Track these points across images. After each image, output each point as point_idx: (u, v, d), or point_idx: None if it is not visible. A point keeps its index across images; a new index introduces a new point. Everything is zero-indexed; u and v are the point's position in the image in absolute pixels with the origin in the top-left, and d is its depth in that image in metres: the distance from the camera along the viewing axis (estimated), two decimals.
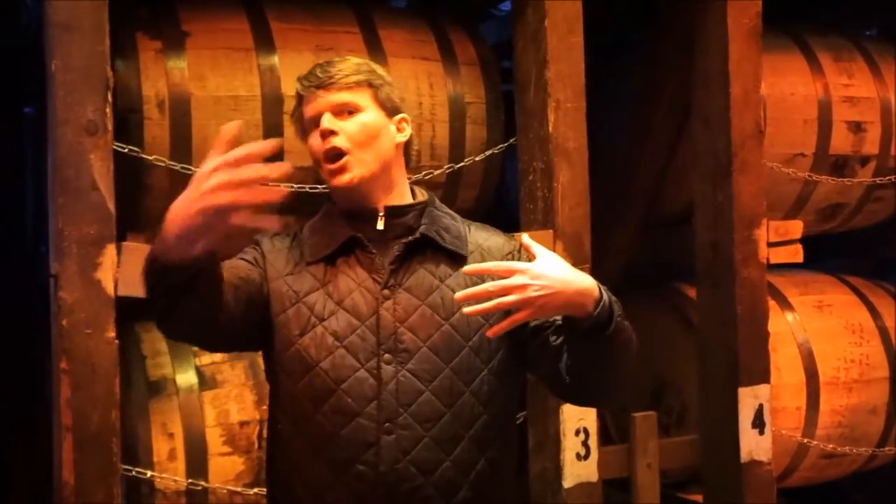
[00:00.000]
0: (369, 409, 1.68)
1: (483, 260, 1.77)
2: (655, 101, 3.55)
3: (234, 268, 1.74)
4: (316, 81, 1.77)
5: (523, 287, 1.56)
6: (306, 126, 1.80)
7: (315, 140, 1.77)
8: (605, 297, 1.63)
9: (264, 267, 1.79)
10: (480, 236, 1.83)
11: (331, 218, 1.83)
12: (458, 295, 1.60)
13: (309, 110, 1.78)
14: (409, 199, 1.82)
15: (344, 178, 1.74)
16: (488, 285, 1.58)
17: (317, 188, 2.79)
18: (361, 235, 1.76)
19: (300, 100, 1.81)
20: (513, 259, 1.79)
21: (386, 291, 1.72)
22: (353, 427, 1.68)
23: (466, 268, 1.66)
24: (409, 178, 1.88)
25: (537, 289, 1.56)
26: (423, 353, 1.70)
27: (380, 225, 1.77)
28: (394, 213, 1.78)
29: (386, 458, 1.68)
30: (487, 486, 1.74)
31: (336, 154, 1.74)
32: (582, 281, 1.62)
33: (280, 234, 1.86)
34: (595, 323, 1.61)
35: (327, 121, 1.74)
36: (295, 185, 2.77)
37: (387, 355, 1.70)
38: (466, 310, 1.61)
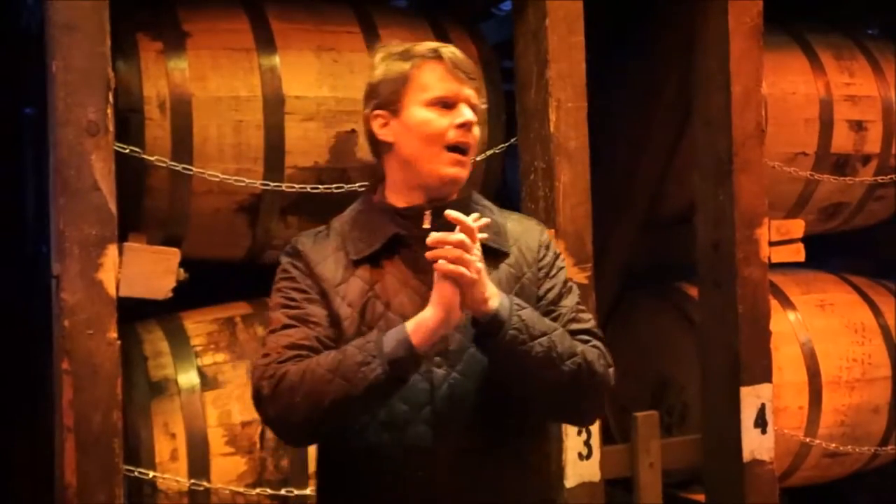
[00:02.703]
0: (423, 415, 1.67)
1: (522, 255, 1.77)
2: (656, 100, 3.55)
3: (322, 325, 1.71)
4: (462, 66, 1.74)
5: (476, 269, 1.58)
6: (426, 97, 1.72)
7: (438, 119, 1.72)
8: (508, 304, 1.62)
9: (322, 291, 1.73)
10: (517, 230, 1.82)
11: (372, 213, 1.79)
12: (430, 239, 1.58)
13: (448, 88, 1.72)
14: (452, 196, 1.78)
15: (462, 174, 1.73)
16: (458, 240, 1.56)
17: (318, 188, 2.79)
18: (406, 233, 1.73)
19: (421, 72, 1.73)
20: (544, 252, 1.80)
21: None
22: (409, 434, 1.67)
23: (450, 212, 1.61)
24: None
25: (477, 273, 1.59)
26: (470, 354, 1.68)
27: (426, 223, 1.73)
28: (439, 210, 1.71)
29: (442, 463, 1.67)
30: (527, 486, 1.74)
31: (466, 147, 1.73)
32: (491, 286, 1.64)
33: (316, 234, 1.81)
34: (486, 327, 1.61)
35: (471, 113, 1.72)
36: (297, 186, 2.77)
37: (437, 358, 1.67)
38: (429, 253, 1.59)
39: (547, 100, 2.80)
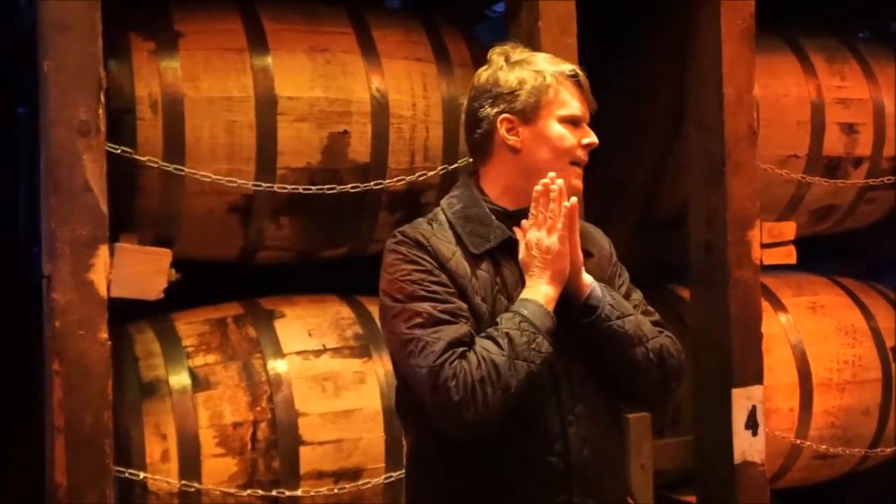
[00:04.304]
0: (552, 402, 1.74)
1: (600, 255, 1.92)
2: (650, 101, 3.55)
3: (470, 320, 1.74)
4: (590, 90, 1.87)
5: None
6: (563, 113, 1.82)
7: (570, 136, 1.83)
8: (599, 286, 1.79)
9: (460, 287, 1.76)
10: (594, 234, 1.97)
11: (481, 209, 1.83)
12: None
13: (581, 109, 1.85)
14: None
15: (581, 186, 1.85)
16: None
17: (310, 189, 2.79)
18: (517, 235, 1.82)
19: (561, 88, 1.83)
20: (612, 252, 1.97)
21: None
22: (540, 422, 1.74)
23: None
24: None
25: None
26: (582, 343, 1.78)
27: None
28: None
29: (574, 448, 1.74)
30: (620, 467, 1.90)
31: (584, 164, 1.87)
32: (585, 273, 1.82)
33: (428, 228, 1.82)
34: (586, 305, 1.77)
35: (595, 137, 1.86)
36: (289, 187, 2.77)
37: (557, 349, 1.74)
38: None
39: None
